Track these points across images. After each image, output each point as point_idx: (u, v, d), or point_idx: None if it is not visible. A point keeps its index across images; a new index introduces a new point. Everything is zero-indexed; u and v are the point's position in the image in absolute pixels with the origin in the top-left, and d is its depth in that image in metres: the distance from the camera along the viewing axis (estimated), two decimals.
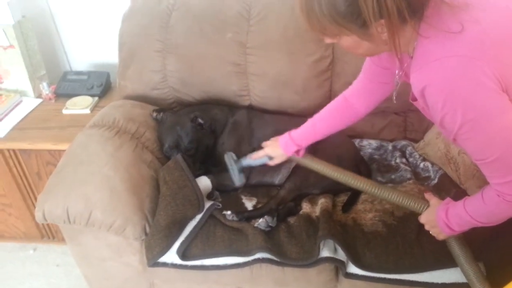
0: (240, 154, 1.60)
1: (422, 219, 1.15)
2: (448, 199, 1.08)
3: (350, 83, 1.65)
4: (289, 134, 1.38)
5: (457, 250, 1.12)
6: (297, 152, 1.37)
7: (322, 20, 0.85)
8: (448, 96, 0.84)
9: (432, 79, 0.85)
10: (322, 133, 1.35)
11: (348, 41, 0.90)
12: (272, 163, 1.43)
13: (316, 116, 1.35)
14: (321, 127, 1.34)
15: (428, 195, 1.17)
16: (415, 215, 1.33)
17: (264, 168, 1.60)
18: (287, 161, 1.58)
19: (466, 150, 0.94)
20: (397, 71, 1.05)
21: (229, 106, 1.74)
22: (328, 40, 0.94)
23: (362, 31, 0.84)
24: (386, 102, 1.67)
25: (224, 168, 1.56)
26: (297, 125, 1.66)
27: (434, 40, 0.85)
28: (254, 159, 1.45)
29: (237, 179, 1.46)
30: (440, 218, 1.05)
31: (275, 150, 1.40)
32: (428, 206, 1.14)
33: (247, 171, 1.52)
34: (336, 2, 0.81)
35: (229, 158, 1.48)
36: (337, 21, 0.83)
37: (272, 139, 1.44)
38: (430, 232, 1.14)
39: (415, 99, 0.97)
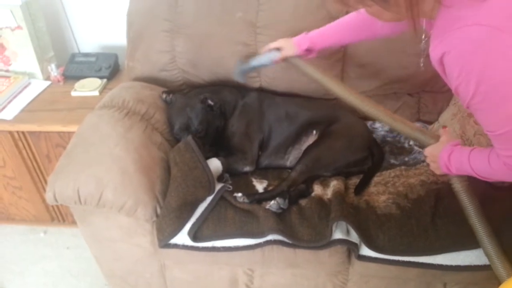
0: (250, 137, 1.59)
1: (427, 151, 1.16)
2: (456, 142, 1.09)
3: (362, 65, 1.63)
4: (305, 32, 1.40)
5: (466, 201, 1.11)
6: (308, 51, 1.39)
7: None
8: (464, 65, 0.83)
9: (451, 47, 0.84)
10: (337, 41, 1.40)
11: (371, 9, 0.89)
12: (282, 54, 1.42)
13: (337, 24, 1.36)
14: (337, 35, 1.36)
15: (443, 131, 1.17)
16: (429, 197, 1.33)
17: (274, 150, 1.59)
18: (297, 143, 1.58)
19: (477, 119, 0.94)
20: (423, 36, 1.02)
21: (239, 88, 1.72)
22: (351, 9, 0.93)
23: (382, 1, 0.83)
24: (399, 82, 1.66)
25: (233, 151, 1.55)
26: (308, 107, 1.64)
27: (457, 7, 0.83)
28: (264, 52, 1.48)
29: (237, 76, 1.55)
30: (442, 157, 1.07)
31: (287, 41, 1.42)
32: (436, 141, 1.14)
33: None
34: None
35: (237, 67, 1.56)
36: None
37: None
38: (430, 166, 1.17)
39: None
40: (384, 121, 1.22)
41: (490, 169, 0.96)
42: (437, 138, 1.15)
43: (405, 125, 1.19)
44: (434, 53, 0.90)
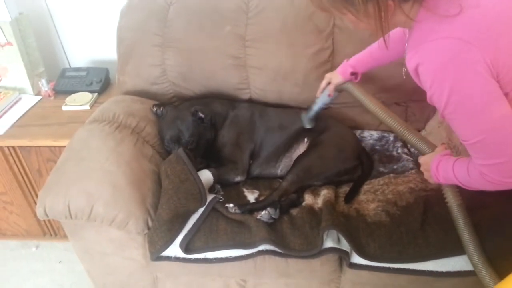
0: (241, 147, 1.60)
1: (421, 159, 1.17)
2: (446, 152, 1.10)
3: None
4: (346, 60, 1.48)
5: (458, 217, 1.13)
6: (354, 75, 1.45)
7: None
8: (436, 76, 0.87)
9: (425, 58, 0.88)
10: (378, 61, 1.43)
11: (347, 17, 0.93)
12: (332, 85, 1.50)
13: (374, 45, 1.41)
14: (377, 55, 1.40)
15: (440, 144, 1.17)
16: (418, 204, 1.35)
17: (266, 159, 1.61)
18: (289, 151, 1.60)
19: (452, 129, 0.97)
20: (406, 45, 1.05)
21: (230, 100, 1.73)
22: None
23: (354, 10, 0.88)
24: (386, 92, 1.69)
25: (224, 162, 1.56)
26: (299, 119, 1.65)
27: (431, 21, 0.87)
28: (319, 95, 1.56)
29: (306, 124, 1.60)
30: (432, 167, 1.09)
31: (332, 74, 1.51)
32: (431, 150, 1.14)
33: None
34: None
35: (303, 117, 1.61)
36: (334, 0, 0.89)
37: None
38: (424, 175, 1.17)
39: None
40: (401, 131, 1.21)
41: (469, 178, 0.98)
42: (433, 147, 1.15)
43: (413, 134, 1.18)
44: (410, 64, 0.94)
